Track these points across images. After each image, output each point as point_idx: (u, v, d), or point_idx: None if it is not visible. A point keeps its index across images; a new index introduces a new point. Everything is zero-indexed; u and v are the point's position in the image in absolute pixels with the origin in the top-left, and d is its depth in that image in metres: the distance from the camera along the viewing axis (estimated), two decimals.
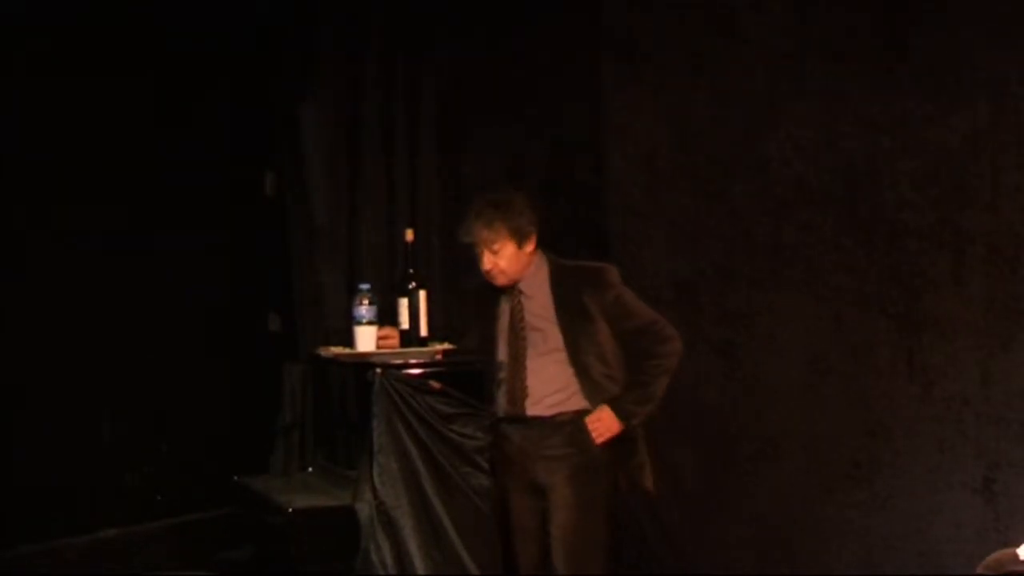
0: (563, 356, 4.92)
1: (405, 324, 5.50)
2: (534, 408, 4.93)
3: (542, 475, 4.92)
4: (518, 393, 4.94)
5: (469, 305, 5.32)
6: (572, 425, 4.91)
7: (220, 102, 6.49)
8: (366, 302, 5.44)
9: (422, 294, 5.52)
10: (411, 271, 5.56)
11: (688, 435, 5.99)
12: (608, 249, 6.16)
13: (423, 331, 5.52)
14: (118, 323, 6.25)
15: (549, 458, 4.92)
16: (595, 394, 4.91)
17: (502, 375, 4.96)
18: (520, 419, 4.93)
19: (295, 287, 6.51)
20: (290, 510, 5.38)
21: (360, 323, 5.45)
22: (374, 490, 5.17)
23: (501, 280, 4.96)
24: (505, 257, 4.92)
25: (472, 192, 6.36)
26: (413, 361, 5.38)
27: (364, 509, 5.17)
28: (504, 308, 4.99)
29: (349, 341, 5.54)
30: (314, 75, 6.37)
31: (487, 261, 4.94)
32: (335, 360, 5.63)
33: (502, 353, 4.97)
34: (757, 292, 5.96)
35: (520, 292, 4.99)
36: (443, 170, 6.55)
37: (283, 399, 6.16)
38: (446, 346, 5.49)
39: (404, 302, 5.51)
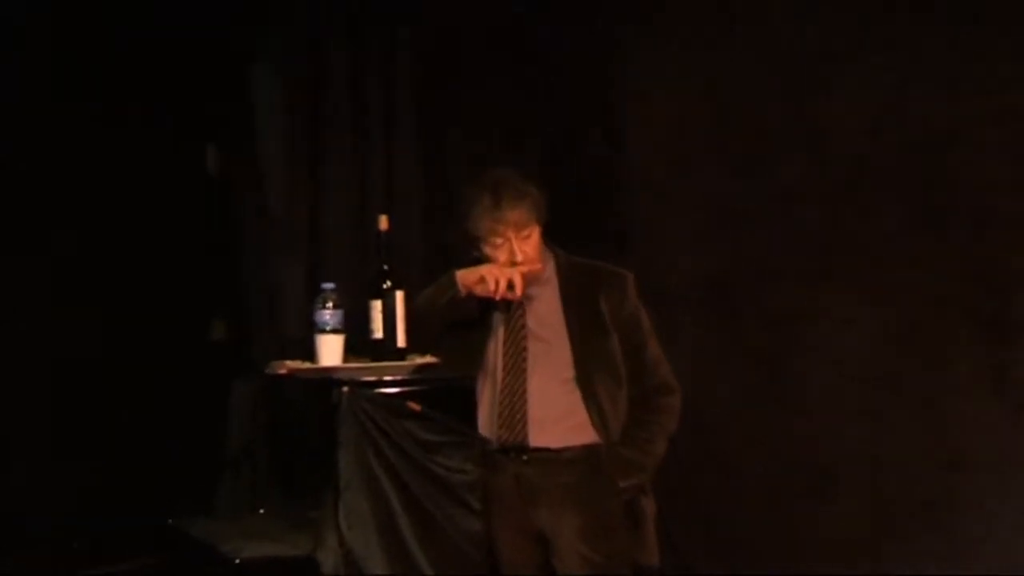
0: (569, 375, 4.86)
1: (379, 332, 5.46)
2: (538, 438, 4.84)
3: (546, 521, 4.84)
4: (517, 417, 4.85)
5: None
6: (585, 463, 4.83)
7: (153, 59, 6.55)
8: (331, 305, 5.40)
9: (399, 295, 5.50)
10: (386, 268, 5.52)
11: (722, 468, 6.01)
12: (625, 239, 6.20)
13: (400, 341, 5.46)
14: (19, 334, 6.30)
15: (556, 502, 4.82)
16: (602, 429, 4.84)
17: (493, 394, 4.89)
18: (518, 450, 4.85)
19: (244, 287, 6.59)
20: (238, 560, 5.47)
21: (323, 331, 5.40)
22: (340, 535, 5.13)
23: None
24: (532, 246, 4.85)
25: (459, 172, 6.39)
26: (388, 378, 5.34)
27: (328, 559, 5.13)
28: (496, 311, 4.94)
29: (310, 353, 5.49)
30: (267, 29, 6.49)
31: (519, 252, 4.83)
32: (293, 376, 5.57)
33: (494, 367, 4.90)
34: (807, 292, 5.92)
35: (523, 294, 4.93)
36: (424, 146, 6.62)
37: (230, 424, 6.26)
38: (428, 359, 5.42)
39: (377, 305, 5.53)
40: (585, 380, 4.84)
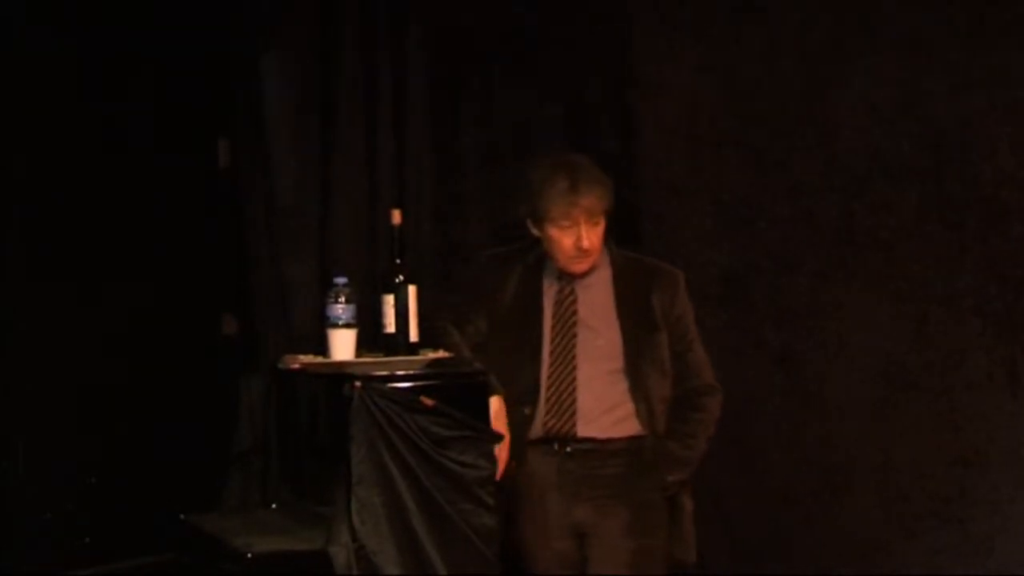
0: (618, 366, 4.89)
1: (391, 327, 5.47)
2: (586, 428, 4.87)
3: (586, 516, 4.89)
4: (565, 406, 4.88)
5: (468, 286, 5.32)
6: (629, 455, 4.87)
7: (163, 50, 6.47)
8: (343, 300, 5.41)
9: (411, 289, 5.48)
10: (398, 262, 5.50)
11: (738, 464, 6.05)
12: (640, 234, 6.21)
13: (413, 335, 5.47)
14: (29, 328, 6.25)
15: (600, 495, 4.85)
16: (648, 421, 4.88)
17: (534, 377, 4.90)
18: (563, 440, 4.87)
19: (255, 281, 6.50)
20: (249, 555, 5.29)
21: (335, 326, 5.40)
22: (352, 531, 5.13)
23: (587, 265, 4.93)
24: (599, 235, 4.90)
25: (471, 166, 6.38)
26: (400, 372, 5.30)
27: (340, 554, 5.12)
28: (546, 296, 4.95)
29: (321, 348, 5.50)
30: (280, 19, 6.39)
31: (586, 238, 4.86)
32: (304, 371, 5.58)
33: (535, 349, 4.93)
34: (823, 287, 6.00)
35: (575, 278, 4.93)
36: (436, 137, 6.56)
37: (241, 419, 6.17)
38: (440, 353, 5.43)
39: (389, 299, 5.49)
40: (634, 371, 4.88)
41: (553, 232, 4.86)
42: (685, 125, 6.22)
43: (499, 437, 4.98)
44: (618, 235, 5.96)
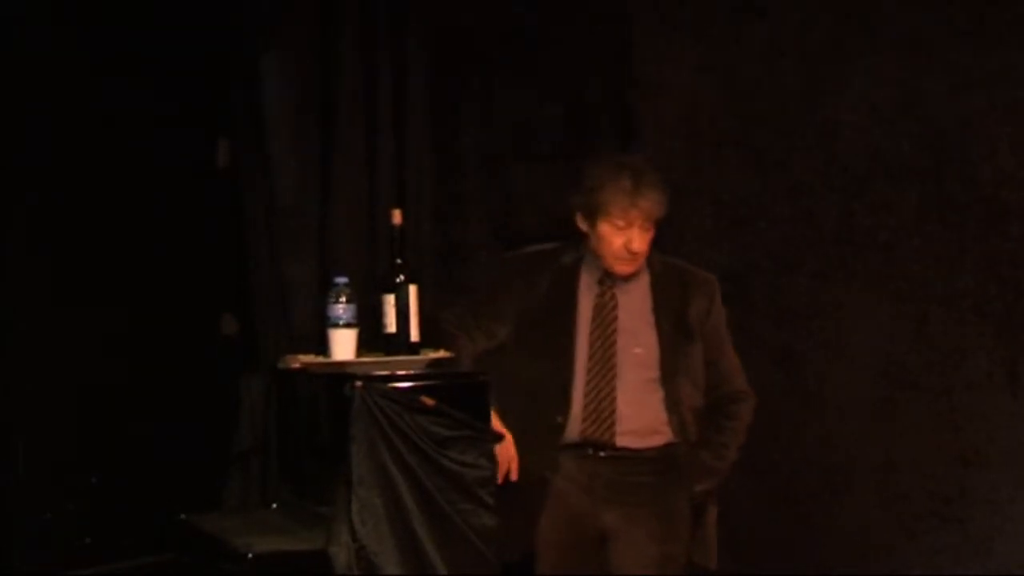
0: (654, 375, 4.85)
1: (391, 326, 5.48)
2: (624, 437, 4.84)
3: (613, 521, 4.86)
4: (605, 414, 4.83)
5: (486, 286, 5.20)
6: (660, 463, 4.84)
7: (163, 50, 6.49)
8: (343, 300, 5.42)
9: (412, 289, 5.50)
10: (399, 261, 5.51)
11: (738, 464, 5.79)
12: None
13: (413, 335, 5.49)
14: (29, 328, 6.27)
15: (630, 501, 4.84)
16: (679, 430, 4.86)
17: (567, 381, 4.84)
18: (599, 447, 4.83)
19: (255, 281, 6.51)
20: (249, 555, 5.28)
21: (336, 325, 5.41)
22: (352, 531, 5.14)
23: (632, 268, 4.88)
24: (647, 242, 4.86)
25: (471, 166, 6.38)
26: (401, 372, 5.32)
27: (340, 554, 5.13)
28: (582, 300, 4.89)
29: (322, 347, 5.51)
30: (280, 20, 6.40)
31: (637, 241, 4.82)
32: (304, 371, 5.60)
33: (570, 351, 4.86)
34: (823, 287, 5.99)
35: (614, 282, 4.89)
36: (437, 137, 6.57)
37: (240, 419, 6.19)
38: (441, 353, 5.45)
39: (390, 299, 5.50)
40: (669, 381, 4.84)
41: (605, 230, 4.81)
42: (685, 125, 6.21)
43: (500, 437, 5.00)
44: None
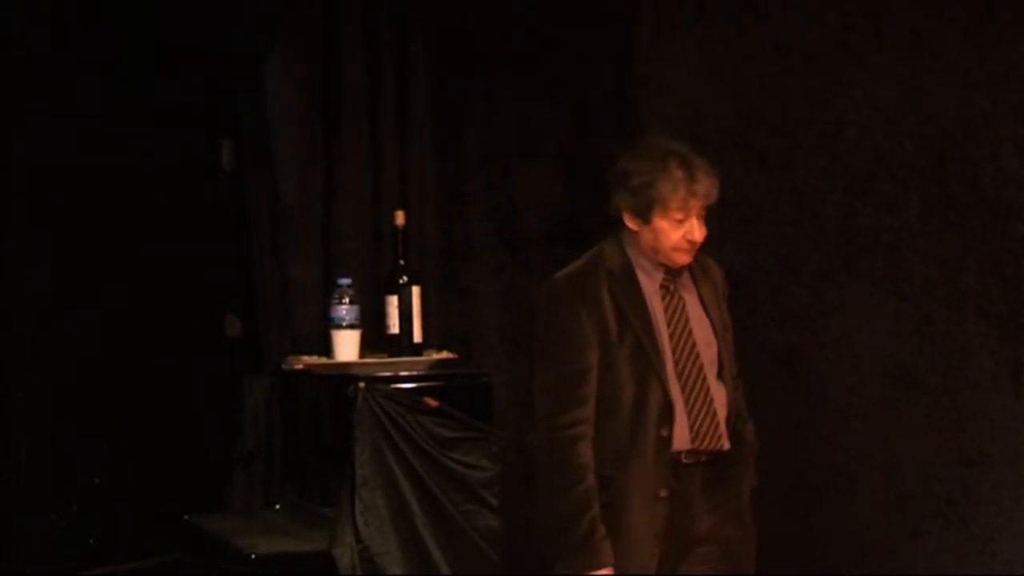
0: (716, 372, 4.67)
1: (395, 328, 5.51)
2: (724, 440, 4.64)
3: (710, 524, 4.66)
4: (710, 422, 4.62)
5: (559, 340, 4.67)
6: (734, 463, 4.71)
7: (165, 50, 6.51)
8: (347, 301, 5.49)
9: (415, 291, 5.58)
10: (402, 263, 5.61)
11: None
12: None
13: (417, 336, 5.53)
14: (31, 329, 6.31)
15: (736, 508, 4.70)
16: (731, 428, 4.71)
17: (670, 399, 4.59)
18: (702, 454, 4.64)
19: (258, 282, 6.53)
20: (253, 556, 5.37)
21: (339, 327, 5.52)
22: (356, 532, 5.22)
23: (691, 258, 4.67)
24: (704, 229, 4.63)
25: (473, 167, 6.39)
26: (404, 373, 5.39)
27: (344, 555, 5.20)
28: (651, 304, 4.65)
29: (325, 349, 5.55)
30: (282, 22, 6.41)
31: (700, 230, 4.60)
32: (307, 372, 5.69)
33: (663, 367, 4.61)
34: (826, 288, 5.95)
35: (675, 281, 4.70)
36: (439, 138, 6.57)
37: (244, 420, 6.18)
38: (444, 354, 5.48)
39: (393, 300, 5.59)
40: (726, 376, 4.67)
41: (662, 224, 4.55)
42: (688, 125, 6.12)
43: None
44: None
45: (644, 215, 4.58)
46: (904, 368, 5.81)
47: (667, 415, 4.55)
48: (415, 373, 5.40)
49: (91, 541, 6.42)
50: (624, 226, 4.65)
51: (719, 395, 4.65)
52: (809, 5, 5.96)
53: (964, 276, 5.70)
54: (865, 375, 5.88)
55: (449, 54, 6.55)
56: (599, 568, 4.46)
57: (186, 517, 5.98)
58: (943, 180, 5.74)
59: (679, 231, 4.57)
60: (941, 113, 5.72)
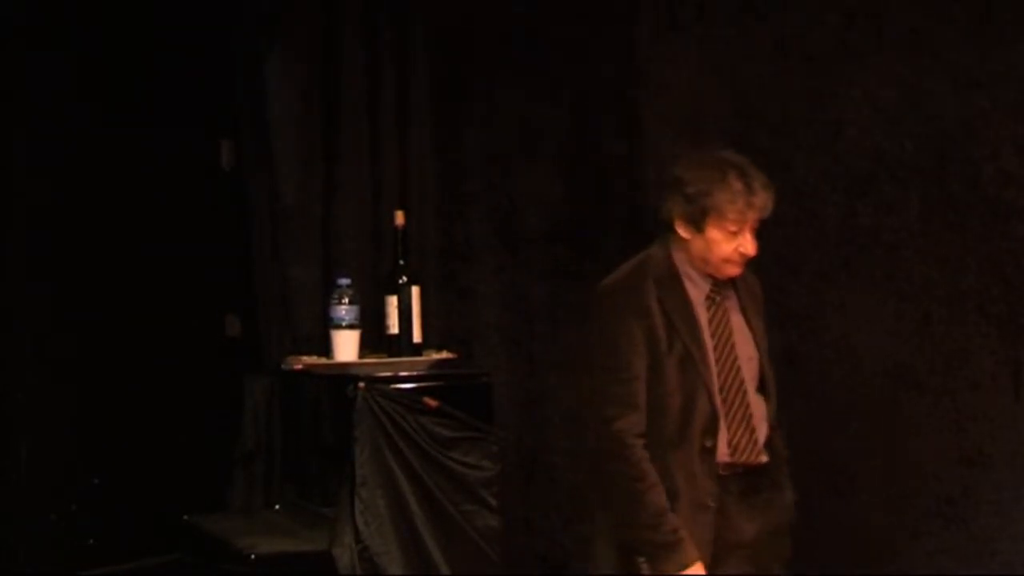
0: (756, 385, 4.66)
1: (394, 328, 5.51)
2: (763, 455, 4.65)
3: (753, 533, 4.68)
4: (749, 437, 4.63)
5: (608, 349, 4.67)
6: (777, 473, 4.73)
7: (166, 50, 6.51)
8: (346, 301, 5.48)
9: (415, 291, 5.58)
10: (401, 263, 5.60)
11: None
12: (644, 235, 6.02)
13: (416, 336, 5.53)
14: (31, 328, 6.31)
15: (759, 514, 4.69)
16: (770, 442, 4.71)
17: (716, 410, 4.58)
18: (741, 467, 4.63)
19: (258, 283, 6.53)
20: (252, 556, 5.36)
21: (339, 326, 5.50)
22: (356, 532, 5.20)
23: (741, 269, 4.65)
24: (755, 242, 4.61)
25: (474, 167, 6.38)
26: (404, 373, 5.39)
27: (344, 555, 5.19)
28: (698, 313, 4.63)
29: (325, 349, 5.56)
30: (282, 22, 6.40)
31: (752, 244, 4.58)
32: (307, 372, 5.67)
33: (711, 378, 4.59)
34: (826, 288, 5.95)
35: (720, 294, 4.67)
36: (439, 138, 6.57)
37: (244, 420, 6.17)
38: (444, 354, 5.48)
39: (393, 301, 5.57)
40: (767, 390, 4.66)
41: (716, 235, 4.53)
42: (688, 125, 6.16)
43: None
44: (622, 236, 6.05)
45: (698, 223, 4.56)
46: (904, 368, 5.81)
47: (712, 426, 4.55)
48: (415, 373, 5.39)
49: (91, 541, 6.42)
50: (673, 232, 4.63)
51: (758, 409, 4.64)
52: (809, 5, 5.96)
53: (964, 276, 5.70)
54: (865, 375, 5.89)
55: (449, 53, 6.55)
56: (692, 563, 4.49)
57: (186, 517, 5.97)
58: (943, 180, 5.74)
59: (732, 243, 4.55)
60: (941, 113, 5.73)
